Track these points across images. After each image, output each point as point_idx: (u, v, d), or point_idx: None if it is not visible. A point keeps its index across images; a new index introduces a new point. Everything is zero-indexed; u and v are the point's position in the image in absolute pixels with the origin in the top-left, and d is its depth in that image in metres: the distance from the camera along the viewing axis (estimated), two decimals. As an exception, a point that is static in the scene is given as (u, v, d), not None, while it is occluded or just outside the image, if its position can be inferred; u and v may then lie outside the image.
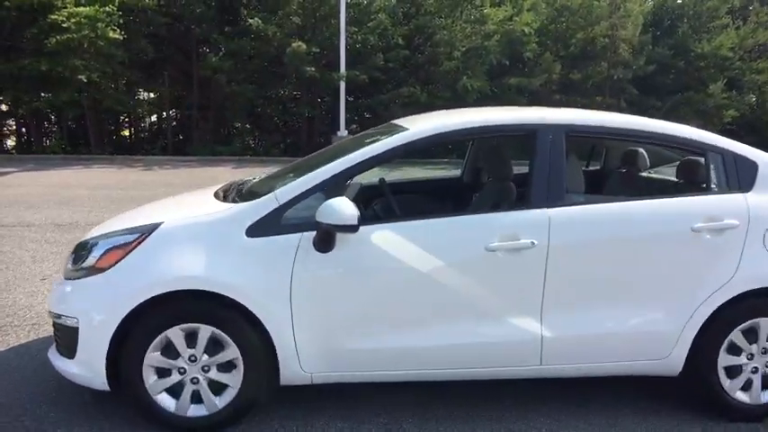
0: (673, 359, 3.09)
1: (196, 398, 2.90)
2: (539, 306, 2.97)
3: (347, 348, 2.93)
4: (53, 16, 15.68)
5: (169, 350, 2.86)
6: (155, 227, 2.94)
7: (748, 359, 3.11)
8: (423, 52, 20.30)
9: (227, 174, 14.39)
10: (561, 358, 3.04)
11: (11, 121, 20.14)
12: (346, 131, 17.90)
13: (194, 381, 2.88)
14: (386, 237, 2.90)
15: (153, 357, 2.84)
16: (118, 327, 2.77)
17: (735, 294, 3.01)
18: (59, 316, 2.95)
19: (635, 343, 3.06)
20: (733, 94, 21.52)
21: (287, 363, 2.89)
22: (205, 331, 2.84)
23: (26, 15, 16.20)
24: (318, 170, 3.01)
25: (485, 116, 3.31)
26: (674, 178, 3.81)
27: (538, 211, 2.98)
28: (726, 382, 3.11)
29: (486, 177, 4.46)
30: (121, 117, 20.92)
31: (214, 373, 2.89)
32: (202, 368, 2.88)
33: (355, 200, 3.85)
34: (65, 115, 18.34)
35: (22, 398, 3.22)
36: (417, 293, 2.92)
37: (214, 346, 2.87)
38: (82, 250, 3.05)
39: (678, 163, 3.66)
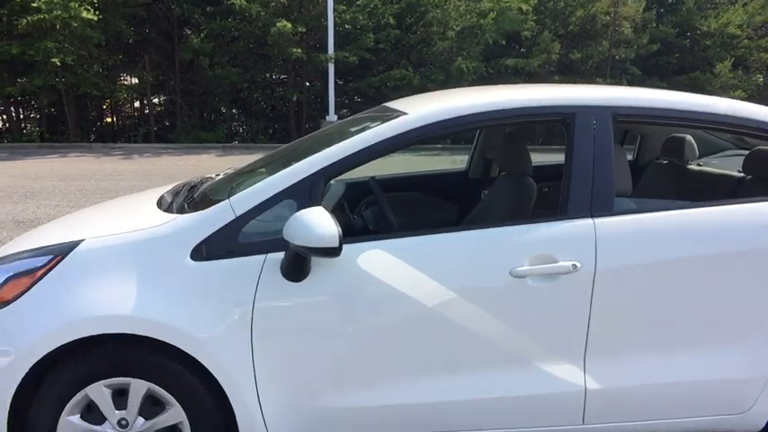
0: (753, 414, 2.39)
1: (130, 475, 2.19)
2: (581, 350, 2.26)
3: (331, 407, 2.23)
4: (23, -5, 14.89)
5: (92, 412, 2.17)
6: (71, 247, 2.22)
7: None
8: (415, 32, 19.58)
9: (211, 161, 13.76)
10: (609, 416, 2.34)
11: (-15, 109, 19.31)
12: (336, 116, 17.24)
13: (127, 453, 2.18)
14: (377, 259, 2.19)
15: (69, 423, 2.14)
16: (26, 376, 2.09)
17: None
18: None
19: (705, 395, 2.37)
20: (740, 73, 20.71)
21: (249, 427, 2.19)
22: (138, 387, 2.15)
23: (-6, -4, 15.44)
24: (289, 168, 2.28)
25: (506, 96, 2.49)
26: (735, 173, 3.09)
27: (579, 222, 2.26)
28: None
29: (497, 171, 3.76)
30: (104, 104, 20.14)
31: (153, 443, 2.19)
32: (137, 436, 2.18)
33: (339, 203, 3.17)
34: (41, 101, 17.54)
35: None
36: (421, 335, 2.22)
37: (152, 407, 2.19)
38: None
39: (748, 153, 2.92)
